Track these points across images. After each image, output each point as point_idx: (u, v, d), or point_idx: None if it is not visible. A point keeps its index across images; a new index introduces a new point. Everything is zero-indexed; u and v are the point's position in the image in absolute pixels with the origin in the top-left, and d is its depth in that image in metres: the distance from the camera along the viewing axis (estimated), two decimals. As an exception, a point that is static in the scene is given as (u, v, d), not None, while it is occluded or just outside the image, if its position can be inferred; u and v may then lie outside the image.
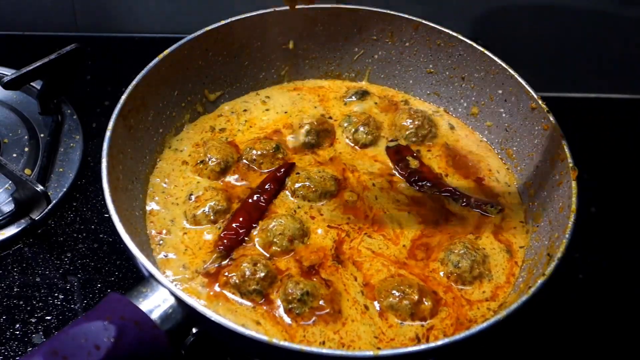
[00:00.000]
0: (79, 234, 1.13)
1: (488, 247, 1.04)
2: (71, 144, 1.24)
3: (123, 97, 1.03)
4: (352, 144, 1.17)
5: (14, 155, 1.20)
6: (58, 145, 1.24)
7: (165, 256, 0.99)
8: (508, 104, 1.15)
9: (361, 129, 1.17)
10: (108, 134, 0.98)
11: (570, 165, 1.00)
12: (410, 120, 1.18)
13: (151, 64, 1.08)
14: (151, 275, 0.84)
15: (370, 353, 0.79)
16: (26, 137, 1.23)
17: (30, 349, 0.99)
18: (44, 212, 1.12)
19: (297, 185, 1.07)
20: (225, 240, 1.00)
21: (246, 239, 1.01)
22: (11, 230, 1.11)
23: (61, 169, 1.20)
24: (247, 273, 0.94)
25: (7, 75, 1.20)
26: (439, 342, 0.81)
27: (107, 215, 1.02)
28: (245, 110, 1.21)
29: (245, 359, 1.01)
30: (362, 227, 1.04)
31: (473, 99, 1.21)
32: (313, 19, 1.22)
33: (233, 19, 1.16)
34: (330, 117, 1.21)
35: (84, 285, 1.07)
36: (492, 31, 1.48)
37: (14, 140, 1.23)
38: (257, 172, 1.10)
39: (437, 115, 1.23)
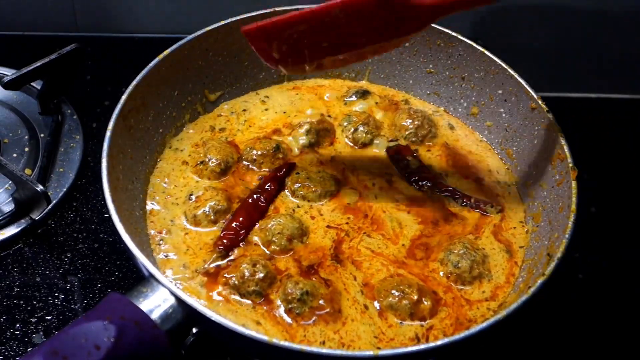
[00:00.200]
0: (79, 234, 1.13)
1: (488, 247, 1.04)
2: (71, 144, 1.24)
3: (123, 97, 1.03)
4: (352, 144, 1.17)
5: (14, 155, 1.20)
6: (58, 145, 1.24)
7: (166, 256, 0.99)
8: (508, 104, 1.15)
9: (361, 128, 1.17)
10: (108, 134, 0.98)
11: (570, 165, 1.00)
12: (410, 120, 1.18)
13: (151, 64, 1.08)
14: (151, 275, 0.84)
15: (370, 353, 0.79)
16: (26, 137, 1.23)
17: (30, 348, 0.99)
18: (44, 212, 1.12)
19: (297, 185, 1.07)
20: (225, 240, 1.00)
21: (246, 238, 1.01)
22: (11, 230, 1.11)
23: (61, 169, 1.20)
24: (247, 274, 0.94)
25: (7, 75, 1.20)
26: (439, 342, 0.81)
27: (107, 215, 1.02)
28: (244, 110, 1.21)
29: (245, 359, 1.01)
30: (361, 227, 1.04)
31: (473, 99, 1.21)
32: (313, 19, 1.22)
33: (233, 19, 1.16)
34: (330, 116, 1.21)
35: (84, 285, 1.07)
36: (492, 31, 1.48)
37: (14, 140, 1.23)
38: (257, 172, 1.10)
39: (437, 115, 1.23)
